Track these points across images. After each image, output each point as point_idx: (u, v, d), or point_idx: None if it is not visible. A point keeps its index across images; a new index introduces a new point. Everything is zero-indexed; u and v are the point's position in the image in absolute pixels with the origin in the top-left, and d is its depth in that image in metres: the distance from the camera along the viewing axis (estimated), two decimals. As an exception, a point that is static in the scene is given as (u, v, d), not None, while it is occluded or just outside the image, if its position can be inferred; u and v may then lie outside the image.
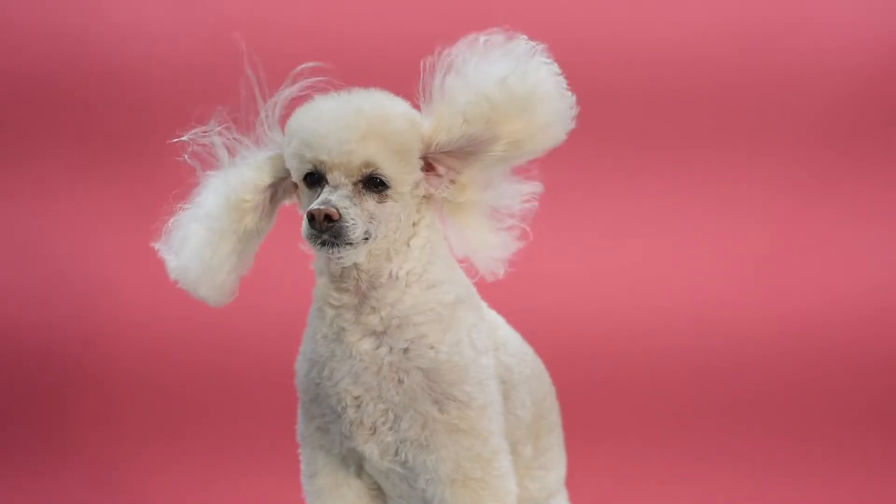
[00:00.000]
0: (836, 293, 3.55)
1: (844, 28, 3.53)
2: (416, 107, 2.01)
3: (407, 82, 2.02)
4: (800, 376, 3.50)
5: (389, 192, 1.95)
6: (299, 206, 2.08)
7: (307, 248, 2.00)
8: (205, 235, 2.05)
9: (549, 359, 2.40)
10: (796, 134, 3.56)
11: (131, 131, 3.56)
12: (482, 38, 1.96)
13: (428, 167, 2.03)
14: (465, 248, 2.08)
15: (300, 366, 2.16)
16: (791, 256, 3.58)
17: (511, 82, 1.92)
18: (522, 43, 1.96)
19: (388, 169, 1.94)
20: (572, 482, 2.44)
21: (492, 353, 2.14)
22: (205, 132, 2.08)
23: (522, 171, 2.05)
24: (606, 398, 3.46)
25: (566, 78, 1.98)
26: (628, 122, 3.55)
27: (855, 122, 3.54)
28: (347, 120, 1.92)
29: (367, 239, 1.94)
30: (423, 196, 2.04)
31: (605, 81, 3.49)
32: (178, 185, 2.15)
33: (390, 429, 2.06)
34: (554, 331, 3.38)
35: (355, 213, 1.91)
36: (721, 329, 3.53)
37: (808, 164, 3.57)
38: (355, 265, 2.00)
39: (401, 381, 2.03)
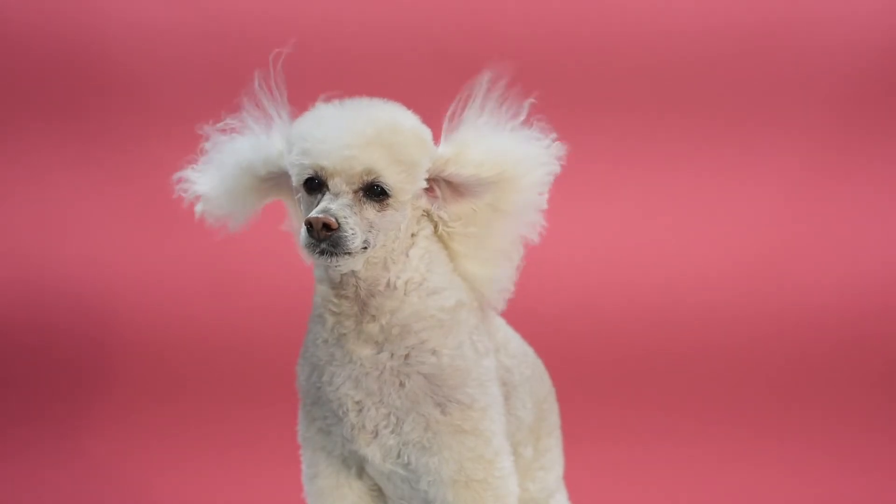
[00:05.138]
0: (847, 281, 3.54)
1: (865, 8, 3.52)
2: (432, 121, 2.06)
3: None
4: (807, 371, 3.50)
5: (390, 200, 1.95)
6: (298, 211, 2.08)
7: (305, 257, 2.01)
8: (227, 176, 2.12)
9: (547, 352, 2.40)
10: (817, 113, 3.54)
11: (127, 121, 3.55)
12: (527, 107, 2.07)
13: (429, 187, 2.04)
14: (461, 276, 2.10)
15: (301, 369, 2.17)
16: (797, 246, 3.57)
17: (530, 164, 2.04)
18: (550, 141, 2.07)
19: (390, 178, 1.93)
20: (572, 478, 2.44)
21: (493, 355, 2.15)
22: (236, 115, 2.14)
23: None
24: (606, 393, 3.47)
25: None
26: (633, 112, 3.55)
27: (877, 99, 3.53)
28: (352, 126, 1.92)
29: (365, 248, 1.94)
30: (423, 209, 2.05)
31: (618, 64, 3.51)
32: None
33: (392, 432, 2.07)
34: (553, 323, 3.39)
35: (355, 222, 1.91)
36: (724, 326, 3.51)
37: (827, 141, 3.55)
38: (353, 272, 2.01)
39: (402, 385, 2.04)
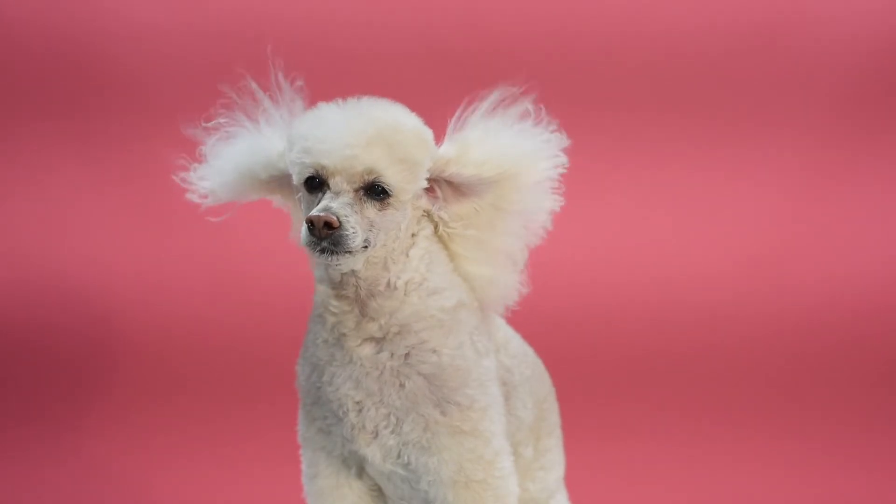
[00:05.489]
0: (847, 280, 3.54)
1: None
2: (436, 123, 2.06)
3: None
4: (807, 371, 3.49)
5: (391, 200, 1.95)
6: (299, 211, 2.08)
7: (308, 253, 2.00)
8: (228, 182, 2.12)
9: (547, 352, 2.40)
10: (817, 113, 3.53)
11: (127, 121, 3.55)
12: (528, 107, 2.07)
13: (430, 188, 2.05)
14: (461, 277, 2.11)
15: (301, 369, 2.17)
16: (797, 245, 3.56)
17: (531, 161, 2.04)
18: (552, 133, 2.07)
19: (391, 178, 1.93)
20: (572, 478, 2.45)
21: (493, 355, 2.15)
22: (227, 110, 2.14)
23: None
24: (606, 393, 3.46)
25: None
26: (633, 111, 3.55)
27: (877, 98, 3.52)
28: (353, 125, 1.92)
29: (366, 247, 1.95)
30: (424, 210, 2.05)
31: (618, 63, 3.51)
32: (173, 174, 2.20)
33: (392, 432, 2.07)
34: (553, 323, 3.39)
35: (355, 221, 1.91)
36: (724, 326, 3.51)
37: (827, 141, 3.55)
38: (353, 272, 2.01)
39: (402, 386, 2.04)
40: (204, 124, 2.14)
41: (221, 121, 2.13)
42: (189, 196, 2.17)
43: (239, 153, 2.11)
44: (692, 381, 3.48)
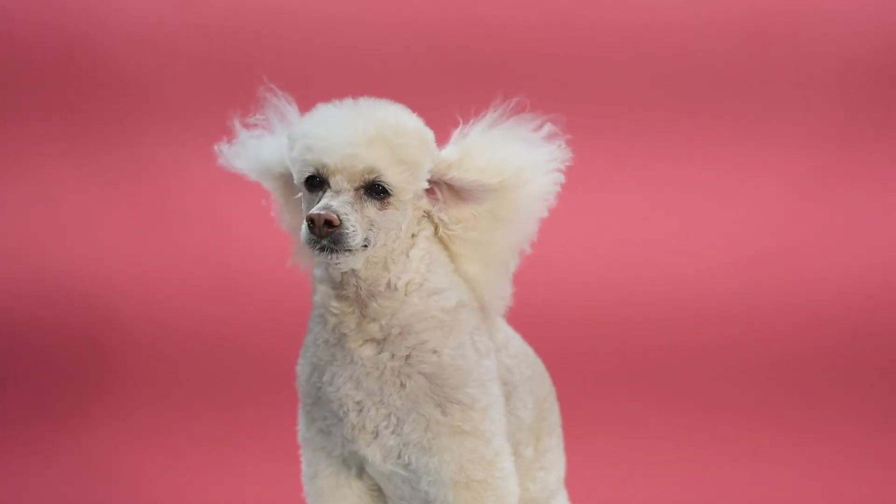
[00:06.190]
0: (850, 278, 3.53)
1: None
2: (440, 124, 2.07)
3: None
4: (809, 369, 3.49)
5: (391, 199, 1.96)
6: (299, 210, 2.08)
7: (304, 255, 2.03)
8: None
9: (547, 352, 2.40)
10: (820, 111, 3.53)
11: (128, 120, 3.54)
12: (537, 122, 2.07)
13: (430, 190, 2.05)
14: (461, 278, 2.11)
15: (301, 369, 2.17)
16: (799, 243, 3.56)
17: (533, 173, 2.05)
18: (555, 148, 2.07)
19: (392, 177, 1.94)
20: (573, 477, 2.44)
21: (494, 355, 2.15)
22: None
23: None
24: (606, 392, 3.47)
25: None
26: (634, 110, 3.55)
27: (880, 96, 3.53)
28: (354, 125, 1.93)
29: (366, 246, 1.95)
30: (424, 211, 2.06)
31: (619, 61, 3.51)
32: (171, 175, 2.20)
33: (392, 432, 2.07)
34: (553, 323, 3.39)
35: (356, 219, 1.91)
36: (725, 325, 3.51)
37: (830, 139, 3.54)
38: (353, 272, 2.01)
39: (403, 386, 2.04)
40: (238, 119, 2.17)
41: (255, 118, 2.16)
42: (220, 163, 2.18)
43: (262, 147, 2.13)
44: (693, 380, 3.48)
